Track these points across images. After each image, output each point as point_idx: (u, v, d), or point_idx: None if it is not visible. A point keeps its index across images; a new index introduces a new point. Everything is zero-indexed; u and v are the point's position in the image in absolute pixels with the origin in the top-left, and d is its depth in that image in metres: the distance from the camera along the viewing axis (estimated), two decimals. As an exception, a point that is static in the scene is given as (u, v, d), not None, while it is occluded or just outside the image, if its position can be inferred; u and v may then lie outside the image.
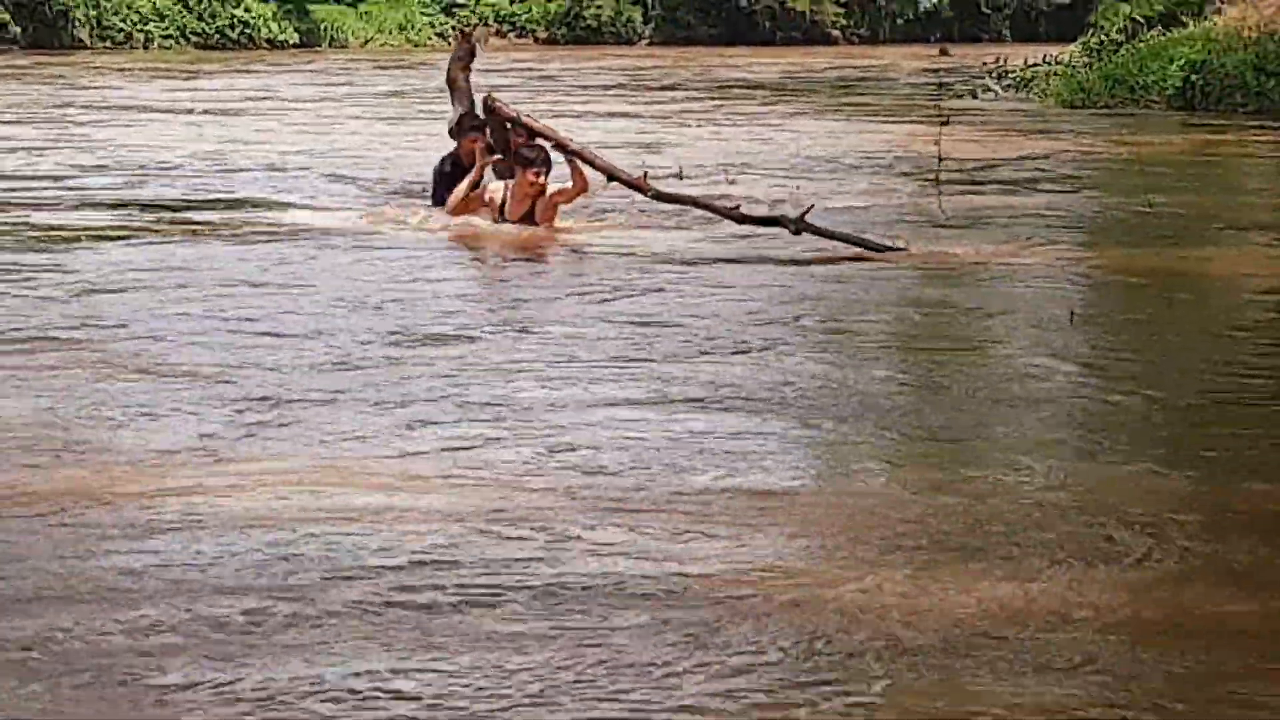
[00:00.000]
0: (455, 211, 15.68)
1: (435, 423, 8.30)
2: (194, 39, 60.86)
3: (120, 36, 59.35)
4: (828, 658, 4.81)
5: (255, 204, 19.15)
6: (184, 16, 60.65)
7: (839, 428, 8.44)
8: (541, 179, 15.23)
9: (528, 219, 15.45)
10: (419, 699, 4.26)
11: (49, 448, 7.85)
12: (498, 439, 7.76)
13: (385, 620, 5.06)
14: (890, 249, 14.43)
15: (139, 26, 59.35)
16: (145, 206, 18.83)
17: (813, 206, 14.80)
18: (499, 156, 16.28)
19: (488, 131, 16.33)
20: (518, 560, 5.63)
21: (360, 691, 4.34)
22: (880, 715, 4.20)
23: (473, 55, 18.04)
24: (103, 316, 11.95)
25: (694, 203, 15.83)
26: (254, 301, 12.45)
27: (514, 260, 15.29)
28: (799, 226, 14.50)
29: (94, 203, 19.33)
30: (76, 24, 57.63)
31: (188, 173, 22.13)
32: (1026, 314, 12.34)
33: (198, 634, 4.95)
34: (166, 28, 60.54)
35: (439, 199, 16.46)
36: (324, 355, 10.23)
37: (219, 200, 19.42)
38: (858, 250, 14.37)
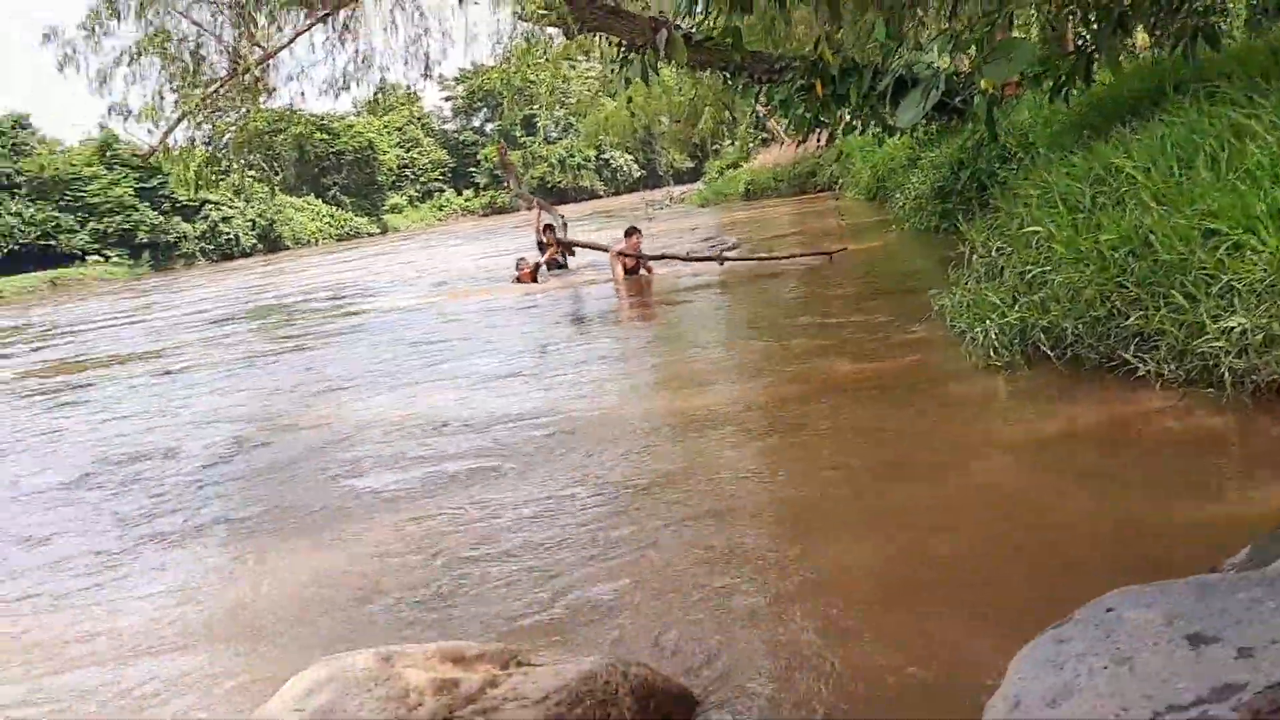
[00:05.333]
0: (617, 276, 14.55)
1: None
2: (334, 237, 74.88)
3: (305, 240, 72.06)
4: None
5: (386, 293, 19.41)
6: (330, 228, 75.43)
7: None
8: (637, 240, 14.67)
9: (635, 270, 14.68)
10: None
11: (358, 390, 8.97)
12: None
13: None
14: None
15: (312, 235, 71.97)
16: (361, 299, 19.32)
17: (723, 256, 14.60)
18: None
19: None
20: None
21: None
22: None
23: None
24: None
25: (684, 258, 15.16)
26: (411, 326, 13.25)
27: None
28: (724, 260, 14.42)
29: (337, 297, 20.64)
30: (284, 238, 68.04)
31: (359, 285, 22.87)
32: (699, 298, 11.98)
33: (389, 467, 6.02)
34: (323, 235, 72.79)
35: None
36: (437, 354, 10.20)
37: (375, 293, 19.83)
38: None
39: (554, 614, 3.59)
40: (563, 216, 18.18)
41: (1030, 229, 6.63)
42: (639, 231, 14.86)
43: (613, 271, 14.68)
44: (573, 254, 17.21)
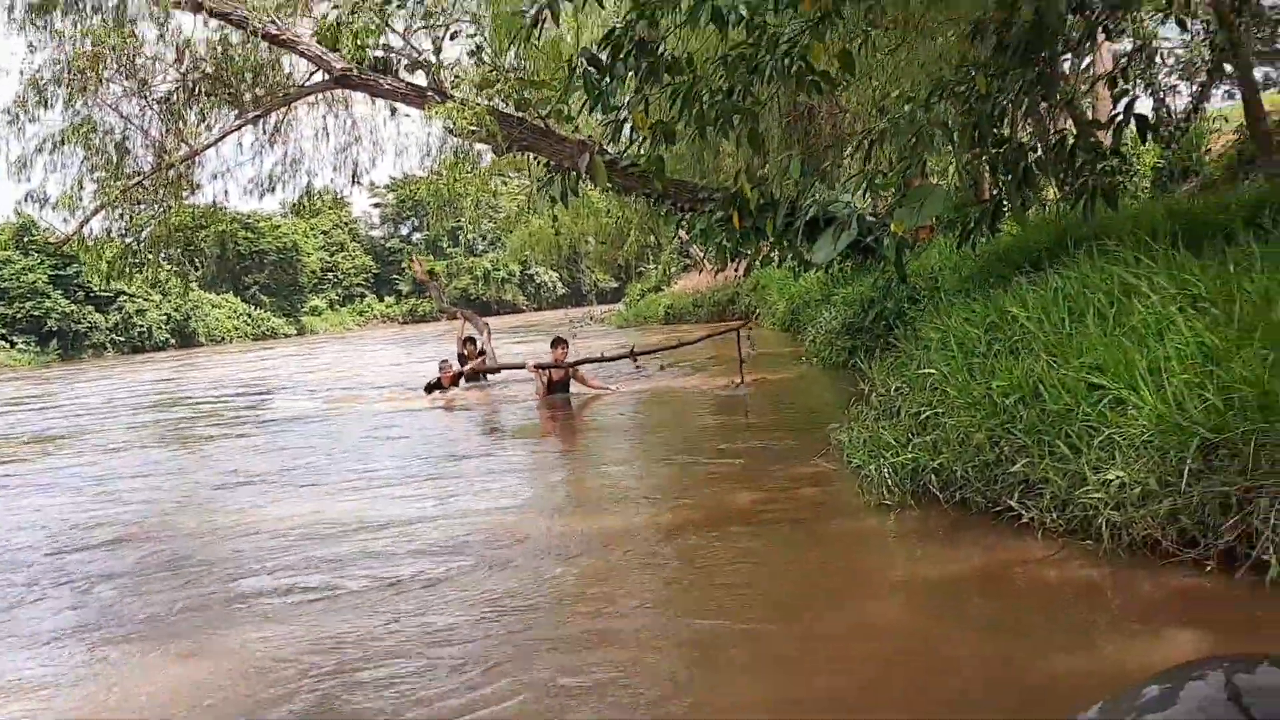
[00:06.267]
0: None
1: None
2: (250, 336, 73.57)
3: (220, 338, 70.90)
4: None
5: (295, 396, 19.34)
6: (246, 327, 71.66)
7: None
8: (563, 352, 14.44)
9: (564, 379, 14.49)
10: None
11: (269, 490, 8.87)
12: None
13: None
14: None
15: (228, 332, 68.27)
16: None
17: (634, 351, 15.24)
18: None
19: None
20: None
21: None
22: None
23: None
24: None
25: (599, 360, 15.26)
26: (313, 432, 12.94)
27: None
28: (636, 355, 15.26)
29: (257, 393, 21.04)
30: (199, 334, 63.38)
31: (269, 385, 23.05)
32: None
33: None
34: (240, 333, 68.53)
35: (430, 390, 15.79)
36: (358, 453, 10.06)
37: (284, 395, 20.09)
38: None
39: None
40: (486, 323, 18.18)
41: (926, 371, 6.78)
42: (565, 343, 14.73)
43: (537, 384, 14.48)
44: (496, 373, 16.91)
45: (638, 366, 15.57)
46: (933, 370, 6.71)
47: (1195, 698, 2.29)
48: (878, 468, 6.22)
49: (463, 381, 16.21)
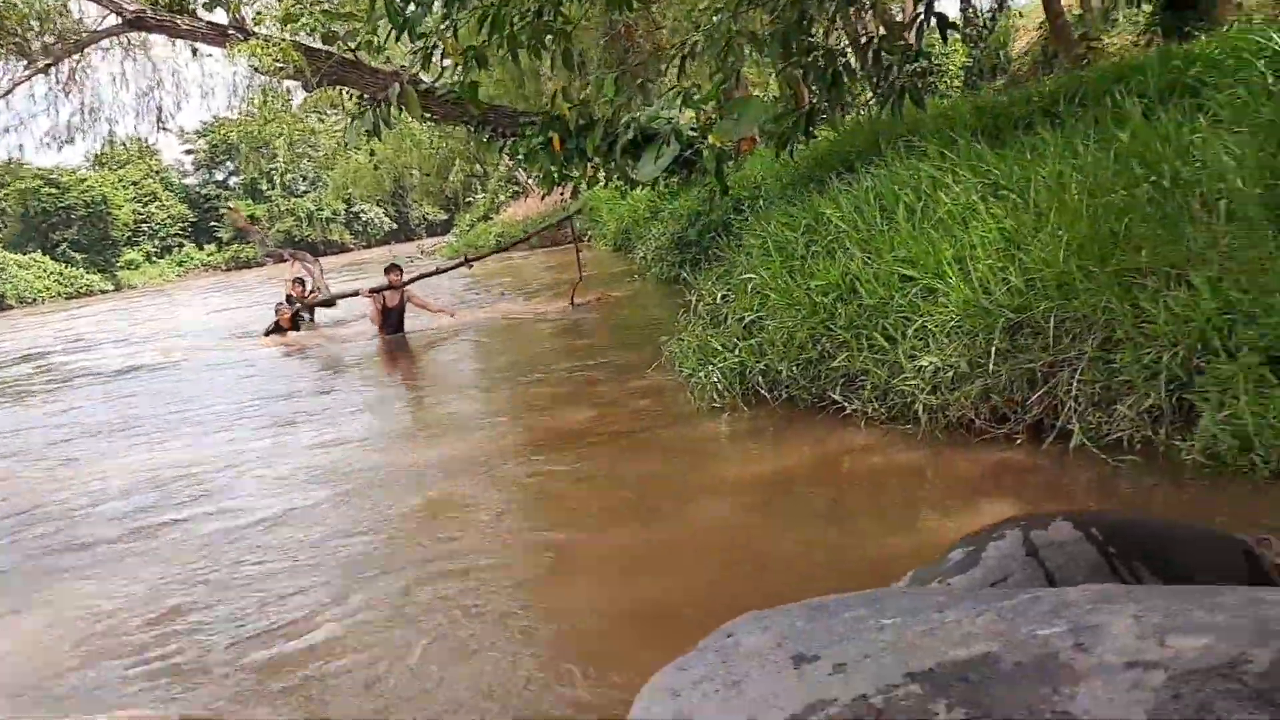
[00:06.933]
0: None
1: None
2: (63, 295, 66.29)
3: (30, 299, 63.49)
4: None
5: (115, 352, 17.56)
6: (59, 286, 66.10)
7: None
8: (396, 277, 13.98)
9: (399, 307, 13.99)
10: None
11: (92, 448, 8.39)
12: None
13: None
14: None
15: (38, 294, 62.47)
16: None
17: (468, 257, 16.26)
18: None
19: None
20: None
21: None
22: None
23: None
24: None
25: (435, 273, 15.55)
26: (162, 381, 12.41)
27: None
28: (470, 261, 16.24)
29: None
30: (7, 297, 61.36)
31: (86, 344, 20.99)
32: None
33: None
34: (51, 293, 64.45)
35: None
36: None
37: (103, 352, 18.05)
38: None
39: (256, 679, 3.47)
40: (317, 262, 17.83)
41: (749, 276, 6.90)
42: (399, 269, 14.33)
43: (372, 311, 14.06)
44: (334, 305, 16.57)
45: (470, 266, 16.35)
46: (755, 275, 6.83)
47: (996, 556, 2.44)
48: (707, 374, 6.35)
49: (301, 322, 15.80)
